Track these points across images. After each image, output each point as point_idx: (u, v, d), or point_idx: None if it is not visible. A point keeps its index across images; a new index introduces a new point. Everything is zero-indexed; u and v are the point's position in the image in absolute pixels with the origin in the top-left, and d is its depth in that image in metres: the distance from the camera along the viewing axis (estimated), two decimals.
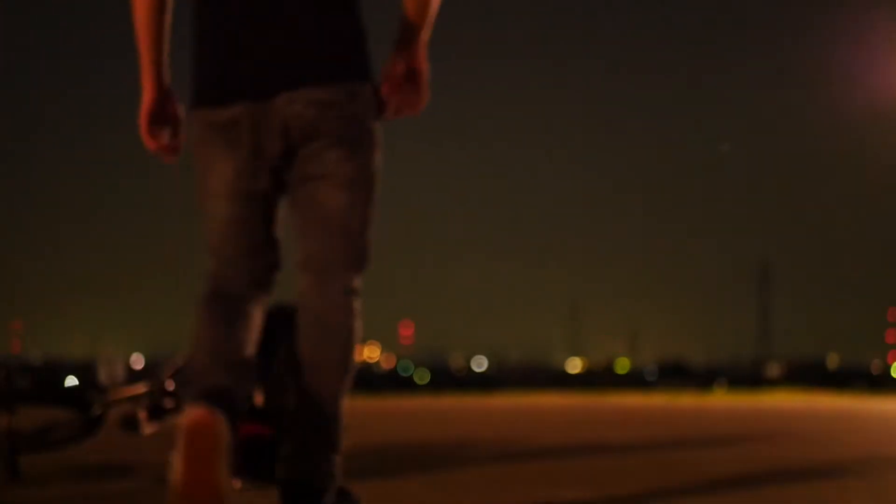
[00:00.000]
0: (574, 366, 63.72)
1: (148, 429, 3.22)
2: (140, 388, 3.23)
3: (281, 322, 3.21)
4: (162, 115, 2.27)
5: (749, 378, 44.42)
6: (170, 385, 3.23)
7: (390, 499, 2.77)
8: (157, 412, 3.23)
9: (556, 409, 11.54)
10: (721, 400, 16.95)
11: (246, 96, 2.16)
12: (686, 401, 16.00)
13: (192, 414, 1.96)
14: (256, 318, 2.28)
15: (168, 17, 2.28)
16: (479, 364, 61.52)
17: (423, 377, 45.51)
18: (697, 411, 10.56)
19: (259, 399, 3.08)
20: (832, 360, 59.15)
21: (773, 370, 56.55)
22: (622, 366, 63.32)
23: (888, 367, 50.49)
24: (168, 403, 3.23)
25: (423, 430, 5.95)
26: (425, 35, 2.26)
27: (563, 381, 41.57)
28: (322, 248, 2.21)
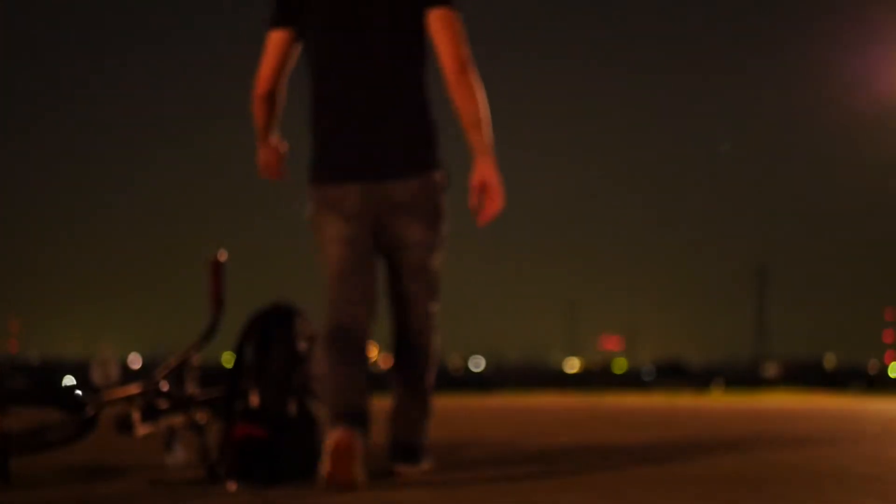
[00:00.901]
0: (571, 365, 63.70)
1: (142, 430, 3.17)
2: (134, 389, 3.17)
3: (277, 322, 3.16)
4: (269, 160, 3.22)
5: (746, 378, 44.41)
6: (164, 386, 3.18)
7: (388, 502, 2.72)
8: (151, 413, 3.17)
9: (554, 409, 11.50)
10: (720, 400, 16.93)
11: (354, 179, 2.95)
12: (685, 401, 15.97)
13: (335, 435, 2.81)
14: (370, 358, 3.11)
15: (278, 114, 3.16)
16: (477, 364, 61.50)
17: None
18: (698, 412, 10.52)
19: (254, 400, 3.03)
20: (829, 361, 59.18)
21: (771, 370, 56.56)
22: (619, 366, 63.31)
23: (885, 367, 50.49)
24: (162, 404, 3.18)
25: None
26: (486, 144, 2.96)
27: (561, 381, 41.54)
28: (411, 289, 3.08)
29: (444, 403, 14.09)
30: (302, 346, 3.13)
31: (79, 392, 3.27)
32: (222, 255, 3.20)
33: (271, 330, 3.14)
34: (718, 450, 4.54)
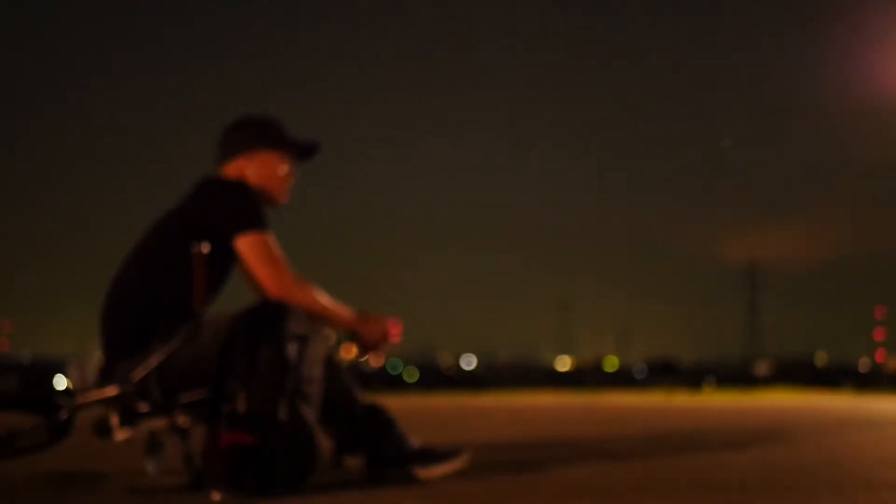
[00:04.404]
0: (563, 364, 63.67)
1: (121, 434, 2.96)
2: (111, 391, 2.96)
3: (267, 319, 2.95)
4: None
5: (738, 376, 44.45)
6: (143, 387, 2.96)
7: None
8: (130, 416, 2.96)
9: (550, 409, 11.34)
10: (717, 399, 16.78)
11: None
12: (682, 400, 15.81)
13: None
14: None
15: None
16: (469, 362, 61.40)
17: (412, 375, 45.36)
18: (696, 411, 10.36)
19: (242, 405, 2.82)
20: (820, 358, 59.27)
21: (762, 368, 56.62)
22: (611, 364, 63.28)
23: (876, 365, 50.57)
24: (143, 407, 2.96)
25: (415, 434, 5.69)
26: (349, 316, 3.12)
27: (553, 380, 41.52)
28: None
29: (439, 403, 13.94)
30: (294, 346, 2.92)
31: (54, 394, 3.06)
32: (205, 248, 2.98)
33: (261, 328, 2.92)
34: (732, 453, 4.35)
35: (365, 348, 3.16)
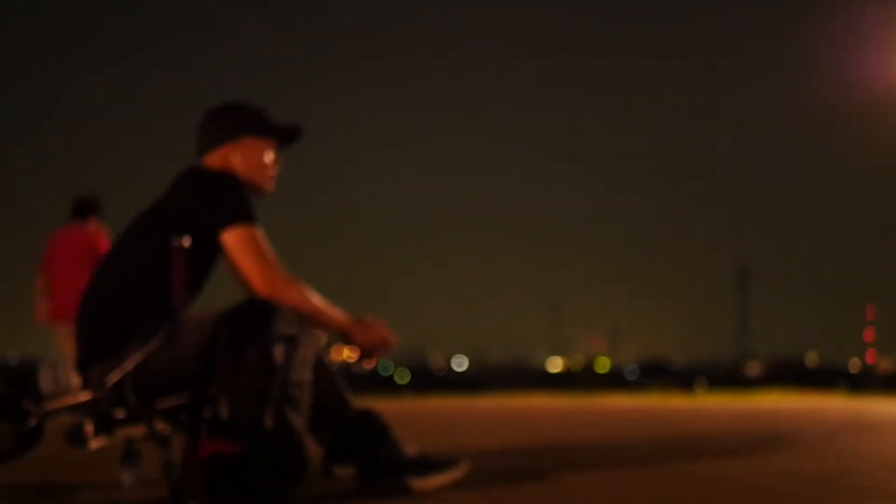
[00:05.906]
0: (555, 365, 63.68)
1: (95, 443, 2.77)
2: (84, 396, 2.76)
3: (253, 319, 2.76)
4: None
5: (730, 377, 44.51)
6: (119, 392, 2.77)
7: None
8: (106, 423, 2.77)
9: (545, 412, 11.19)
10: (712, 401, 16.67)
11: None
12: (677, 402, 15.69)
13: None
14: None
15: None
16: (460, 364, 61.34)
17: (403, 377, 45.27)
18: (692, 414, 10.21)
19: (224, 411, 2.62)
20: (811, 359, 59.45)
21: (754, 369, 56.76)
22: (602, 365, 63.31)
23: (867, 366, 50.70)
24: (119, 413, 2.77)
25: (409, 439, 5.51)
26: (343, 321, 2.92)
27: (545, 381, 41.50)
28: None
29: (432, 406, 13.78)
30: (281, 348, 2.73)
31: (24, 398, 2.87)
32: (186, 242, 2.79)
33: (246, 328, 2.73)
34: (725, 457, 4.19)
35: (360, 353, 2.97)
